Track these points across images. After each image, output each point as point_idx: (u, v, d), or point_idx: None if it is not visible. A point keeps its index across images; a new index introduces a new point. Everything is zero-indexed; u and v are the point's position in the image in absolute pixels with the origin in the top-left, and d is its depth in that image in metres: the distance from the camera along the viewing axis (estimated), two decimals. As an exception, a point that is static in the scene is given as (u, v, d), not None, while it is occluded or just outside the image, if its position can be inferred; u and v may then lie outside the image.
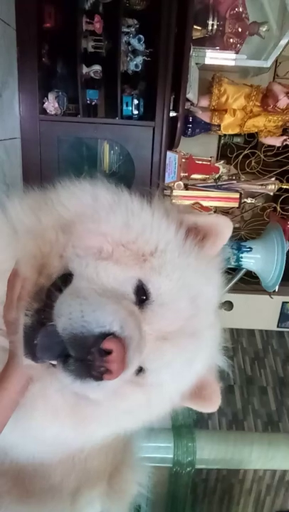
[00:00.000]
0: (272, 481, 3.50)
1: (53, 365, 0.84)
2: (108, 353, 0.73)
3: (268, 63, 2.87)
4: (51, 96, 2.58)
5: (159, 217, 0.93)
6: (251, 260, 3.10)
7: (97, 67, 2.58)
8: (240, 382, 3.80)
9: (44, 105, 2.57)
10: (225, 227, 0.97)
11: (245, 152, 3.33)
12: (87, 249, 0.86)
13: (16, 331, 0.82)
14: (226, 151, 3.46)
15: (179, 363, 0.89)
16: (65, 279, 0.83)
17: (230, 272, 3.17)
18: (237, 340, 4.06)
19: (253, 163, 3.37)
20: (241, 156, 3.33)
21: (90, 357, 0.74)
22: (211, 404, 1.02)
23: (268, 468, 3.43)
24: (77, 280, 0.82)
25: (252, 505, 3.57)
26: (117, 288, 0.84)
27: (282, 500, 3.58)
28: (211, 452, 3.29)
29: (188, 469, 3.27)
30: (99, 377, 0.75)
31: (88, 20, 2.47)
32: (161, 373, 0.88)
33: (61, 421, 0.90)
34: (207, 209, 2.89)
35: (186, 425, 3.37)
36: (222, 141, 3.51)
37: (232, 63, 2.83)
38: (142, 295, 0.86)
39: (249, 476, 3.46)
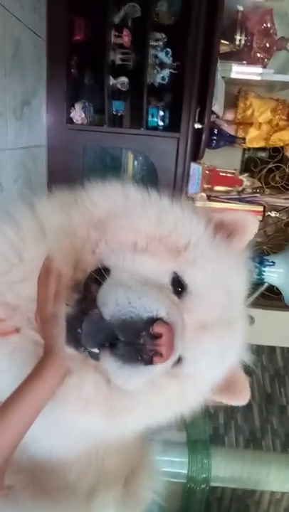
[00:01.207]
0: (291, 504, 3.38)
1: (92, 356, 0.85)
2: (158, 337, 0.75)
3: (295, 78, 2.87)
4: (78, 106, 2.64)
5: (189, 214, 0.96)
6: (274, 275, 3.05)
7: (124, 79, 2.63)
8: (259, 400, 3.71)
9: (71, 115, 2.63)
10: (251, 223, 1.00)
11: (270, 166, 3.30)
12: (121, 245, 0.88)
13: (56, 324, 0.84)
14: (250, 165, 3.44)
15: (215, 353, 0.91)
16: (102, 272, 0.85)
17: (252, 286, 3.13)
18: (257, 357, 3.98)
19: (277, 178, 3.34)
20: (265, 170, 3.31)
21: (141, 340, 0.76)
22: (241, 397, 1.04)
23: (287, 491, 3.32)
24: (117, 273, 0.84)
25: (268, 528, 3.45)
26: (156, 279, 0.86)
27: (301, 525, 3.44)
28: (226, 470, 3.21)
29: (202, 486, 3.19)
30: (149, 361, 0.77)
31: (117, 33, 2.53)
32: (198, 363, 0.91)
33: (93, 413, 0.91)
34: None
35: (201, 440, 3.31)
36: (246, 155, 3.50)
37: (258, 77, 2.83)
38: (178, 287, 0.88)
39: (266, 498, 3.35)
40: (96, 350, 0.82)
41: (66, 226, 0.92)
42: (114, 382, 0.85)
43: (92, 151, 2.67)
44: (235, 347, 0.97)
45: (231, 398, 1.04)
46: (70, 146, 2.62)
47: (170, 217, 0.93)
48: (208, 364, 0.92)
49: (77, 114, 2.65)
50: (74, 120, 2.65)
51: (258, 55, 2.77)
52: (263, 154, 3.45)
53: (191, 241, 0.92)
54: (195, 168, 2.77)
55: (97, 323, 0.79)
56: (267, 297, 3.43)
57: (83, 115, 2.66)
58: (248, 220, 1.00)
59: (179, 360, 0.89)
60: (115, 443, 1.23)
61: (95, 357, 0.84)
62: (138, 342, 0.76)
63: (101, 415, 0.91)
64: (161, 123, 2.64)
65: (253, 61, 2.79)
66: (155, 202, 0.96)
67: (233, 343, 0.96)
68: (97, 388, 0.89)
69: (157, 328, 0.75)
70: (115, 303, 0.77)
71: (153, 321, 0.76)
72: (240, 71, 2.79)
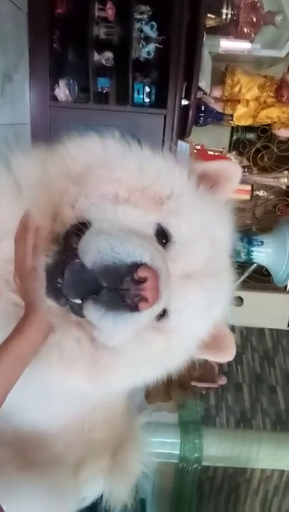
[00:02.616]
0: (280, 481, 3.42)
1: (74, 311, 0.82)
2: (142, 281, 0.73)
3: (283, 53, 2.83)
4: (62, 83, 2.57)
5: (172, 164, 0.93)
6: (262, 254, 3.05)
7: (109, 54, 2.56)
8: (249, 381, 3.73)
9: (55, 92, 2.56)
10: (234, 172, 0.98)
11: (258, 145, 3.27)
12: (102, 197, 0.85)
13: (35, 277, 0.81)
14: (239, 146, 3.41)
15: (200, 304, 0.89)
16: (82, 225, 0.82)
17: (241, 267, 3.13)
18: (246, 339, 4.00)
19: (265, 159, 3.32)
20: (254, 150, 3.28)
21: (124, 285, 0.73)
22: (227, 353, 1.02)
23: (276, 468, 3.37)
24: (98, 223, 0.81)
25: (259, 505, 3.50)
26: (139, 230, 0.83)
27: (291, 501, 3.50)
28: (218, 450, 3.24)
29: (194, 466, 3.22)
30: (134, 307, 0.74)
31: (100, 6, 2.46)
32: (183, 315, 0.89)
33: (78, 372, 0.88)
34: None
35: (193, 421, 3.33)
36: (235, 137, 3.47)
37: (246, 52, 2.79)
38: (162, 238, 0.86)
39: (256, 476, 3.39)
40: (78, 301, 0.79)
41: (43, 179, 0.89)
42: (99, 338, 0.83)
43: (78, 129, 2.60)
44: (220, 300, 0.95)
45: (217, 355, 1.02)
46: (54, 124, 2.55)
47: (152, 167, 0.90)
48: (194, 316, 0.90)
49: (62, 92, 2.58)
50: (58, 97, 2.58)
51: (245, 29, 2.73)
52: (252, 135, 3.42)
53: (174, 191, 0.89)
54: (183, 146, 2.73)
55: (78, 273, 0.76)
56: (256, 279, 3.44)
57: (67, 92, 2.59)
58: (231, 169, 0.98)
59: (164, 313, 0.87)
60: (102, 414, 1.21)
61: (77, 312, 0.81)
62: (122, 287, 0.74)
63: (86, 375, 0.88)
64: (147, 99, 2.59)
65: (239, 36, 2.75)
66: (136, 152, 0.93)
67: (218, 295, 0.93)
68: (81, 346, 0.86)
69: (141, 273, 0.73)
70: (97, 250, 0.74)
71: (137, 266, 0.73)
72: (227, 46, 2.74)
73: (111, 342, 0.82)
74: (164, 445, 3.14)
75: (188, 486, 3.32)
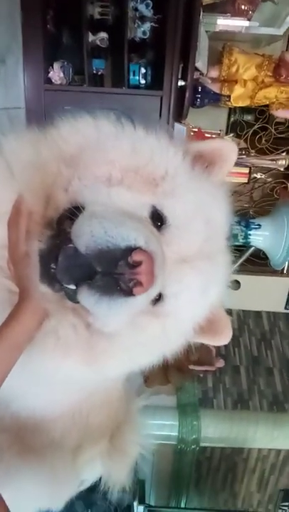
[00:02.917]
0: (277, 460, 3.49)
1: (68, 297, 0.81)
2: (137, 265, 0.72)
3: (281, 31, 2.76)
4: (56, 65, 2.52)
5: (166, 143, 0.91)
6: (260, 238, 3.04)
7: (104, 35, 2.51)
8: (246, 363, 3.77)
9: (49, 75, 2.51)
10: (230, 151, 0.95)
11: (256, 127, 3.23)
12: (95, 179, 0.83)
13: (28, 263, 0.80)
14: (236, 128, 3.37)
15: (196, 288, 0.88)
16: (75, 209, 0.80)
17: (238, 250, 3.12)
18: (244, 322, 4.03)
19: (263, 141, 3.28)
20: (251, 131, 3.24)
21: (119, 269, 0.72)
22: (223, 337, 1.02)
23: (273, 448, 3.43)
24: (91, 206, 0.80)
25: (256, 483, 3.58)
26: (133, 213, 0.81)
27: (287, 479, 3.58)
28: (215, 431, 3.29)
29: (192, 447, 3.28)
30: (128, 292, 0.73)
31: (94, -16, 2.39)
32: (178, 299, 0.87)
33: (74, 358, 0.87)
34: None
35: (191, 404, 3.37)
36: (232, 118, 3.42)
37: (243, 30, 2.72)
38: (157, 221, 0.84)
39: (253, 455, 3.45)
40: (72, 287, 0.78)
41: (35, 162, 0.87)
42: (94, 324, 0.82)
43: (73, 112, 2.56)
44: (216, 283, 0.93)
45: (213, 338, 1.01)
46: (49, 107, 2.50)
47: (145, 147, 0.88)
48: (190, 300, 0.88)
49: (56, 74, 2.53)
50: (53, 80, 2.53)
51: (243, 6, 2.66)
52: (249, 117, 3.38)
53: (169, 171, 0.87)
54: (180, 129, 2.70)
55: (72, 258, 0.75)
56: (253, 262, 3.44)
57: (62, 75, 2.53)
58: (227, 148, 0.95)
59: (160, 298, 0.86)
60: (99, 399, 1.22)
61: (72, 297, 0.80)
62: (116, 272, 0.72)
63: (82, 360, 0.88)
64: (143, 81, 2.54)
65: (237, 13, 2.68)
66: (129, 132, 0.91)
67: (214, 278, 0.91)
68: (76, 332, 0.86)
69: (136, 256, 0.71)
70: (90, 234, 0.72)
71: (131, 249, 0.72)
72: (224, 24, 2.67)
73: (106, 328, 0.81)
74: (162, 427, 3.19)
75: (186, 467, 3.39)
